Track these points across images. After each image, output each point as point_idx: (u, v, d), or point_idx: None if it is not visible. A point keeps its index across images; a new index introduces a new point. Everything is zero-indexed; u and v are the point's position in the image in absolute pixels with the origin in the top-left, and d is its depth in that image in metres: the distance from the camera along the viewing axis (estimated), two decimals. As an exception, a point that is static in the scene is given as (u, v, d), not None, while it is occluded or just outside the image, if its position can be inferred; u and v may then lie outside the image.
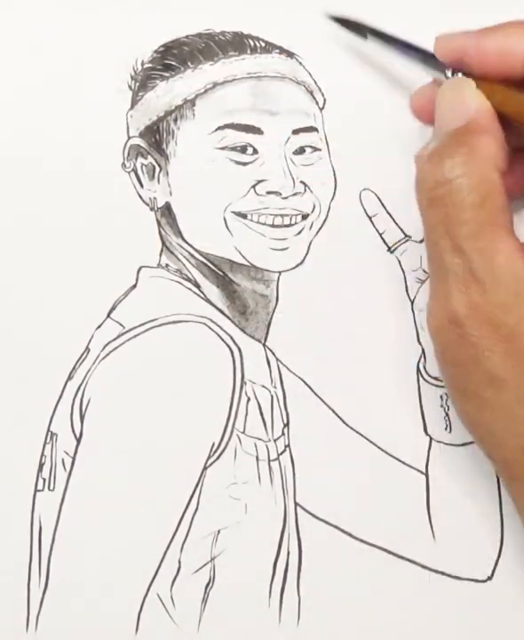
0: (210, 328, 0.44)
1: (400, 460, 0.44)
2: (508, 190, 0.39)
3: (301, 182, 0.45)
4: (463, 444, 0.43)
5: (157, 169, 0.45)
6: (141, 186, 0.45)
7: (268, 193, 0.44)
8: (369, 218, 0.44)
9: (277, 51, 0.46)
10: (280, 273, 0.45)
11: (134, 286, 0.44)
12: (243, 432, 0.43)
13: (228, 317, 0.44)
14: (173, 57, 0.45)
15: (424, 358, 0.44)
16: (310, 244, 0.45)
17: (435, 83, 0.41)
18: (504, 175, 0.37)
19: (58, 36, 0.46)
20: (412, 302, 0.45)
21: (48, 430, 0.43)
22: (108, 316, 0.44)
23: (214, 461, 0.43)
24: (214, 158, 0.44)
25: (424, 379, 0.44)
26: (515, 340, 0.35)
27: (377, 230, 0.45)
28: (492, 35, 0.39)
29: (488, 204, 0.36)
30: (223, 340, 0.44)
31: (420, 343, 0.44)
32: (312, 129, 0.45)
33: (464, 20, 0.41)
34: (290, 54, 0.46)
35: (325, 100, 0.46)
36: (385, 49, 0.42)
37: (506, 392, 0.36)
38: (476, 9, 0.46)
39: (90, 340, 0.44)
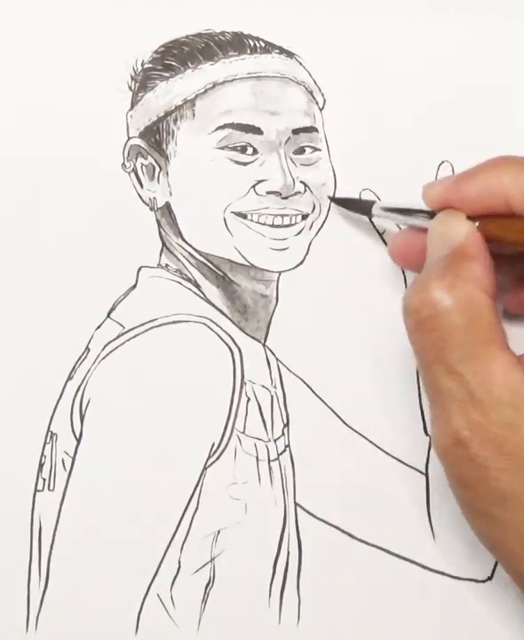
0: (210, 328, 0.44)
1: (400, 460, 0.44)
2: (515, 311, 0.41)
3: (301, 182, 0.45)
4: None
5: (157, 169, 0.45)
6: (141, 186, 0.45)
7: (268, 193, 0.44)
8: (369, 218, 0.44)
9: (277, 51, 0.46)
10: (280, 273, 0.45)
11: (134, 286, 0.44)
12: (243, 432, 0.43)
13: (228, 317, 0.44)
14: (173, 57, 0.45)
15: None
16: (310, 243, 0.45)
17: (411, 229, 0.42)
18: (494, 297, 0.37)
19: (58, 35, 0.46)
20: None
21: (48, 430, 0.43)
22: (108, 316, 0.44)
23: (214, 461, 0.43)
24: (214, 158, 0.44)
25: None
26: (520, 454, 0.35)
27: (376, 230, 0.45)
28: (471, 179, 0.39)
29: (477, 325, 0.36)
30: (223, 340, 0.44)
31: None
32: (312, 129, 0.45)
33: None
34: (290, 54, 0.46)
35: (325, 100, 0.46)
36: (387, 218, 0.43)
37: (517, 509, 0.36)
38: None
39: (90, 340, 0.44)
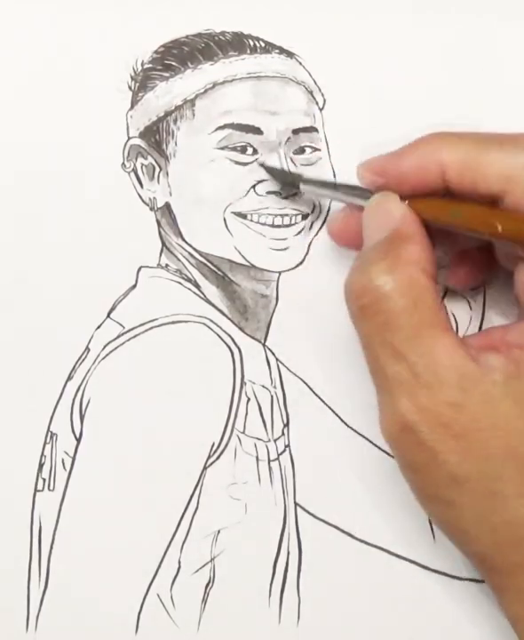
0: (210, 328, 0.44)
1: (400, 460, 0.44)
2: (455, 286, 0.41)
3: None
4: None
5: (157, 169, 0.45)
6: (141, 186, 0.45)
7: (268, 193, 0.44)
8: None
9: (277, 51, 0.46)
10: (280, 273, 0.45)
11: (134, 286, 0.44)
12: (243, 432, 0.43)
13: (228, 317, 0.44)
14: (173, 57, 0.45)
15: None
16: (310, 244, 0.45)
17: (349, 207, 0.42)
18: (434, 278, 0.37)
19: (58, 35, 0.46)
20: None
21: (48, 430, 0.43)
22: (108, 316, 0.44)
23: (214, 461, 0.43)
24: (214, 158, 0.44)
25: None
26: (468, 436, 0.36)
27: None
28: (407, 154, 0.39)
29: (420, 307, 0.36)
30: (223, 341, 0.44)
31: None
32: (312, 129, 0.45)
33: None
34: (290, 54, 0.46)
35: (325, 100, 0.46)
36: (317, 192, 0.43)
37: (469, 491, 0.36)
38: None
39: (90, 340, 0.44)
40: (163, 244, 0.45)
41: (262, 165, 0.44)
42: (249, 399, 0.44)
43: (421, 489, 0.38)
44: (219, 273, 0.45)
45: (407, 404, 0.36)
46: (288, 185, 0.44)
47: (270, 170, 0.44)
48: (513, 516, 0.36)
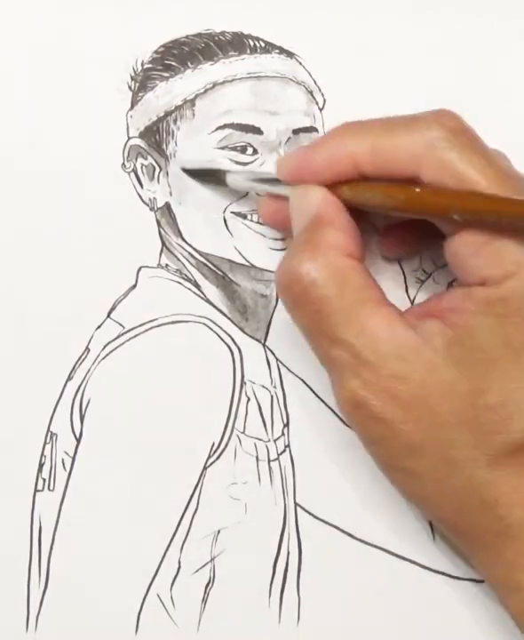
0: (210, 328, 0.44)
1: (400, 460, 0.44)
2: (389, 252, 0.42)
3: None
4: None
5: (157, 169, 0.45)
6: (141, 186, 0.45)
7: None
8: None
9: (277, 51, 0.46)
10: (280, 273, 0.45)
11: (134, 286, 0.44)
12: (243, 432, 0.43)
13: (228, 317, 0.44)
14: (173, 57, 0.45)
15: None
16: (310, 244, 0.45)
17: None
18: (360, 258, 0.38)
19: (58, 35, 0.46)
20: (412, 302, 0.45)
21: (48, 430, 0.43)
22: (108, 316, 0.44)
23: (214, 461, 0.43)
24: (214, 158, 0.44)
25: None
26: (417, 405, 0.36)
27: (375, 229, 0.45)
28: (318, 147, 0.39)
29: (347, 289, 0.37)
30: (223, 340, 0.44)
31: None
32: (312, 129, 0.45)
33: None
34: (290, 54, 0.46)
35: (325, 100, 0.46)
36: (245, 185, 0.43)
37: (427, 457, 0.37)
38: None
39: (90, 340, 0.44)
40: (163, 243, 0.45)
41: (184, 170, 0.44)
42: (249, 399, 0.44)
43: (383, 461, 0.39)
44: (219, 273, 0.45)
45: (354, 382, 0.37)
46: (214, 182, 0.44)
47: (193, 172, 0.44)
48: (470, 480, 0.36)
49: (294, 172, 0.40)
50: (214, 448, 0.43)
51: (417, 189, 0.37)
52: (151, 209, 0.45)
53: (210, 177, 0.44)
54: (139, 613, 0.42)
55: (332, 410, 0.44)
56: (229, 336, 0.44)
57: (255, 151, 0.44)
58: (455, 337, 0.37)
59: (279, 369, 0.44)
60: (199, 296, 0.44)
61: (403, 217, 0.41)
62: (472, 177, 0.36)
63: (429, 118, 0.38)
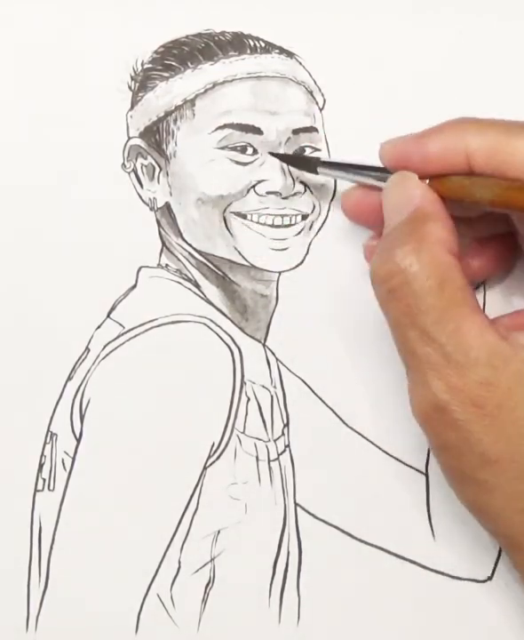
0: (210, 328, 0.44)
1: (400, 460, 0.44)
2: (473, 276, 0.40)
3: (301, 182, 0.45)
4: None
5: (157, 169, 0.45)
6: (141, 186, 0.45)
7: (268, 193, 0.44)
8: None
9: (277, 51, 0.46)
10: (280, 273, 0.45)
11: (134, 286, 0.44)
12: (243, 432, 0.43)
13: (228, 317, 0.44)
14: (173, 57, 0.45)
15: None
16: (310, 244, 0.45)
17: (360, 186, 0.42)
18: (459, 257, 0.37)
19: (58, 35, 0.46)
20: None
21: (48, 430, 0.43)
22: (108, 316, 0.44)
23: (214, 461, 0.43)
24: (214, 158, 0.44)
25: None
26: (501, 415, 0.35)
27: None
28: (433, 137, 0.39)
29: (447, 287, 0.36)
30: (223, 340, 0.44)
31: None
32: (312, 129, 0.45)
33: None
34: (290, 54, 0.46)
35: (325, 100, 0.46)
36: (335, 174, 0.43)
37: (501, 471, 0.36)
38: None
39: (90, 340, 0.44)
40: (163, 243, 0.45)
41: (274, 155, 0.44)
42: (249, 399, 0.44)
43: (453, 470, 0.37)
44: (219, 273, 0.45)
45: (438, 383, 0.36)
46: (305, 170, 0.43)
47: (285, 157, 0.44)
48: None
49: (401, 158, 0.39)
50: (214, 448, 0.43)
51: None
52: (151, 209, 0.45)
53: (302, 163, 0.44)
54: (139, 613, 0.42)
55: (332, 410, 0.44)
56: (229, 336, 0.44)
57: (255, 151, 0.44)
58: None
59: (279, 369, 0.44)
60: (199, 296, 0.44)
61: (501, 214, 0.40)
62: None
63: None
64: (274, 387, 0.44)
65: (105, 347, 0.43)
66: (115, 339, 0.44)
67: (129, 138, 0.45)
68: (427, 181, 0.38)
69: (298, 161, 0.44)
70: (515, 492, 0.36)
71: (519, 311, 0.41)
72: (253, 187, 0.44)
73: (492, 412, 0.35)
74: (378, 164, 0.40)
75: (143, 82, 0.45)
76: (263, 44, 0.46)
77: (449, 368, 0.36)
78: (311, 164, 0.43)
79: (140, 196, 0.45)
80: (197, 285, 0.45)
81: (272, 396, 0.44)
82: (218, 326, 0.44)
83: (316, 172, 0.43)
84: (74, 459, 0.43)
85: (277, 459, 0.44)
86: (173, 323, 0.44)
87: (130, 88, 0.46)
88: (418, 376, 0.37)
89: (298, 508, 0.43)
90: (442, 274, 0.36)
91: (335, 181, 0.45)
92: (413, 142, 0.39)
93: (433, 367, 0.36)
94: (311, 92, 0.46)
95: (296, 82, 0.45)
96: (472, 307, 0.36)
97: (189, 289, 0.45)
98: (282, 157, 0.44)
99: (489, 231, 0.42)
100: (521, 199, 0.37)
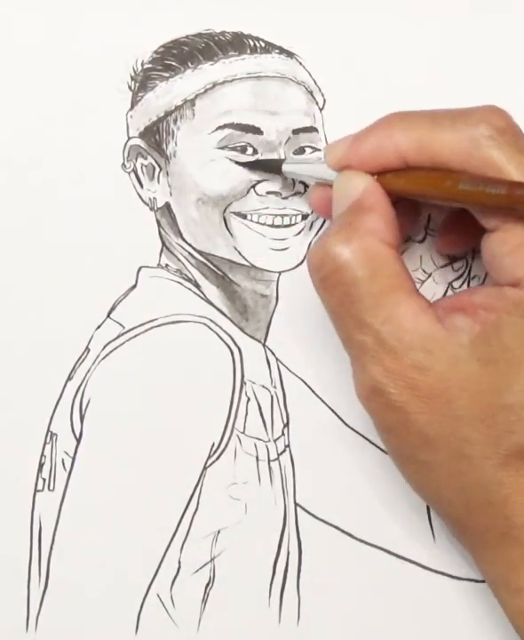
0: (210, 328, 0.44)
1: (400, 460, 0.44)
2: (443, 251, 0.42)
3: (301, 182, 0.45)
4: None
5: (157, 169, 0.45)
6: (141, 186, 0.45)
7: (268, 193, 0.44)
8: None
9: (277, 51, 0.46)
10: (280, 273, 0.45)
11: (134, 286, 0.44)
12: (243, 432, 0.43)
13: (228, 317, 0.44)
14: (173, 57, 0.45)
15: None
16: (310, 244, 0.45)
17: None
18: (396, 246, 0.38)
19: (58, 35, 0.46)
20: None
21: (48, 430, 0.43)
22: (108, 316, 0.44)
23: (214, 461, 0.43)
24: (214, 158, 0.44)
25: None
26: (436, 397, 0.36)
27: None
28: (365, 137, 0.40)
29: (379, 274, 0.37)
30: (223, 340, 0.44)
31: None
32: (312, 129, 0.45)
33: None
34: (290, 54, 0.46)
35: (325, 100, 0.46)
36: (298, 173, 0.43)
37: (440, 451, 0.37)
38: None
39: (90, 340, 0.44)
40: (163, 243, 0.45)
41: (239, 164, 0.44)
42: (249, 399, 0.44)
43: (396, 450, 0.39)
44: (219, 273, 0.45)
45: (375, 368, 0.37)
46: (272, 171, 0.44)
47: (249, 164, 0.44)
48: (480, 478, 0.36)
49: (341, 159, 0.40)
50: (214, 448, 0.43)
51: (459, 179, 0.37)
52: (151, 209, 0.45)
53: (265, 166, 0.44)
54: (139, 613, 0.42)
55: (332, 410, 0.44)
56: (229, 336, 0.44)
57: (255, 151, 0.44)
58: (481, 334, 0.36)
59: (279, 369, 0.44)
60: (199, 296, 0.44)
61: (447, 207, 0.41)
62: (515, 176, 0.36)
63: (476, 115, 0.38)
64: (274, 387, 0.44)
65: (105, 347, 0.43)
66: (115, 339, 0.44)
67: (129, 138, 0.45)
68: (375, 177, 0.39)
69: (264, 165, 0.44)
70: (453, 471, 0.37)
71: (459, 293, 0.41)
72: (253, 187, 0.44)
73: (427, 394, 0.36)
74: None
75: (143, 82, 0.45)
76: (263, 44, 0.46)
77: (385, 353, 0.37)
78: (276, 166, 0.43)
79: (140, 196, 0.45)
80: (197, 285, 0.45)
81: (272, 396, 0.44)
82: (218, 326, 0.44)
83: (280, 173, 0.43)
84: (74, 459, 0.43)
85: (277, 459, 0.44)
86: (173, 323, 0.44)
87: (130, 88, 0.46)
88: (357, 362, 0.38)
89: (298, 508, 0.43)
90: (374, 263, 0.37)
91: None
92: (349, 144, 0.40)
93: (370, 353, 0.37)
94: (311, 92, 0.46)
95: (296, 82, 0.45)
96: (406, 291, 0.37)
97: (189, 289, 0.45)
98: (246, 165, 0.44)
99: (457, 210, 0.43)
100: (441, 192, 0.38)
